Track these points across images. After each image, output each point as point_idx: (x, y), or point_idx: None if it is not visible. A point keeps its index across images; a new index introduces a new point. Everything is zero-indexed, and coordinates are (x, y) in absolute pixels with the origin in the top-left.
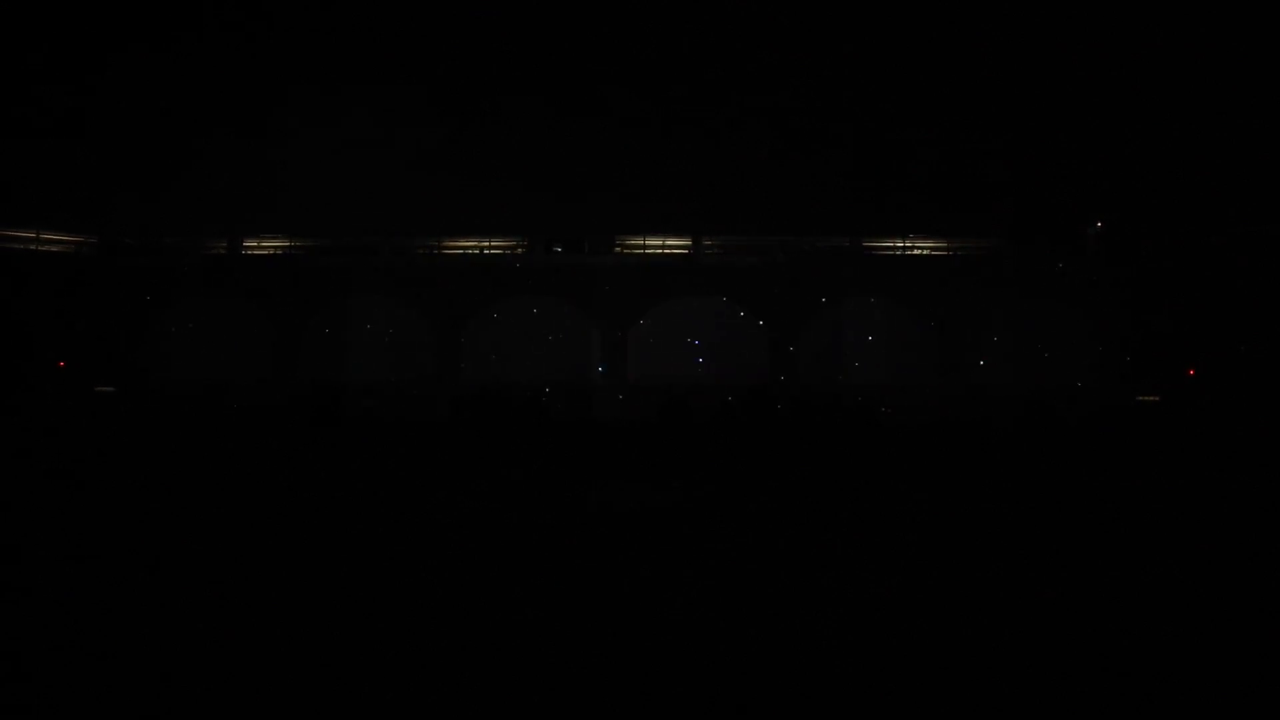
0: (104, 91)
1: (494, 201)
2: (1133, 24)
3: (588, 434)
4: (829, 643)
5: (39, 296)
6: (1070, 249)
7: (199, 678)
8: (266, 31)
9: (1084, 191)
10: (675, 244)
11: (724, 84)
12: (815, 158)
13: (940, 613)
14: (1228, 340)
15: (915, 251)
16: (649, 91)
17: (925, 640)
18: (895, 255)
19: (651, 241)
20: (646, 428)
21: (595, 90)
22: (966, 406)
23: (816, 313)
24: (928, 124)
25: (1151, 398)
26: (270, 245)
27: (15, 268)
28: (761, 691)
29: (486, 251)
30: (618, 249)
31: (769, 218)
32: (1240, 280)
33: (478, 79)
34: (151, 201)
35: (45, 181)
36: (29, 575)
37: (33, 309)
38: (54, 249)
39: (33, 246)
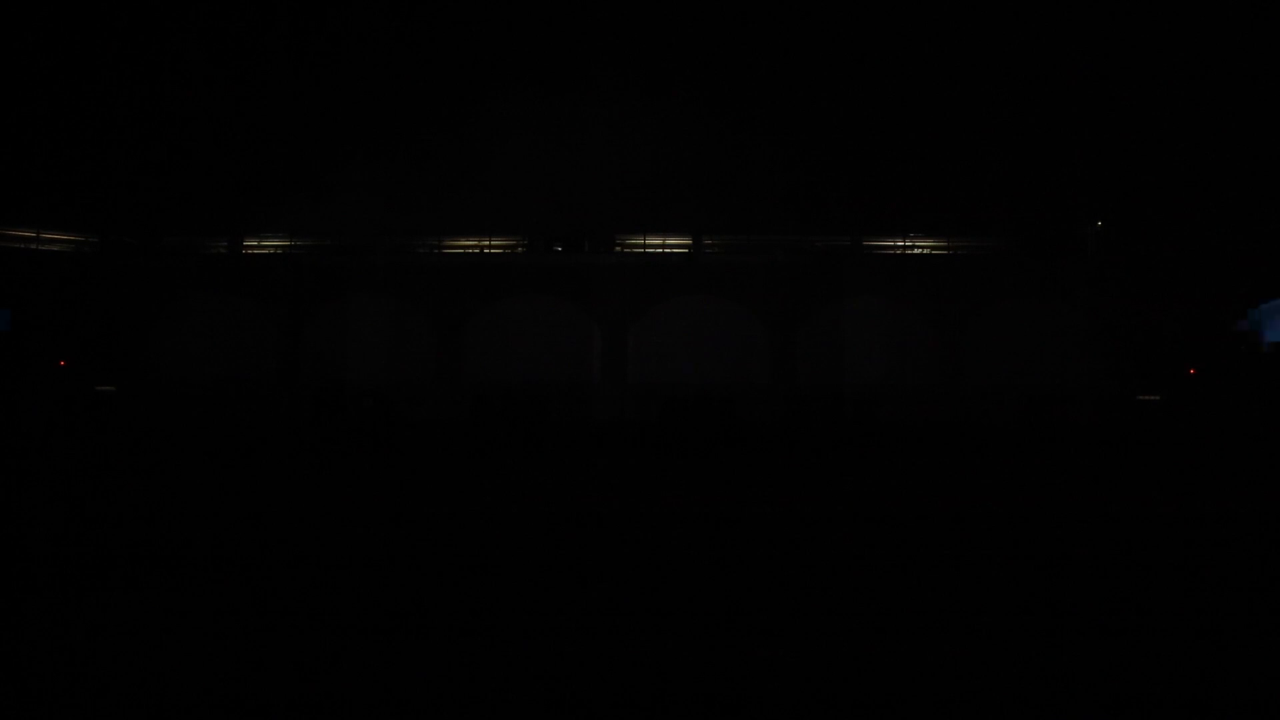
0: (106, 92)
1: (494, 201)
2: (1133, 23)
3: (588, 434)
4: (830, 645)
5: (39, 296)
6: (1070, 249)
7: (201, 678)
8: (264, 30)
9: (1084, 191)
10: (675, 243)
11: (724, 83)
12: (816, 158)
13: (942, 613)
14: (1227, 340)
15: (915, 251)
16: (649, 90)
17: (927, 642)
18: (895, 255)
19: (651, 241)
20: (646, 428)
21: (595, 90)
22: (966, 406)
23: (816, 312)
24: (927, 124)
25: (1152, 396)
26: (270, 245)
27: (15, 268)
28: (763, 694)
29: (486, 251)
30: (618, 249)
31: (769, 218)
32: (1240, 280)
33: (477, 78)
34: (151, 202)
35: (45, 181)
36: (30, 574)
37: (33, 309)
38: (54, 249)
39: (33, 246)
